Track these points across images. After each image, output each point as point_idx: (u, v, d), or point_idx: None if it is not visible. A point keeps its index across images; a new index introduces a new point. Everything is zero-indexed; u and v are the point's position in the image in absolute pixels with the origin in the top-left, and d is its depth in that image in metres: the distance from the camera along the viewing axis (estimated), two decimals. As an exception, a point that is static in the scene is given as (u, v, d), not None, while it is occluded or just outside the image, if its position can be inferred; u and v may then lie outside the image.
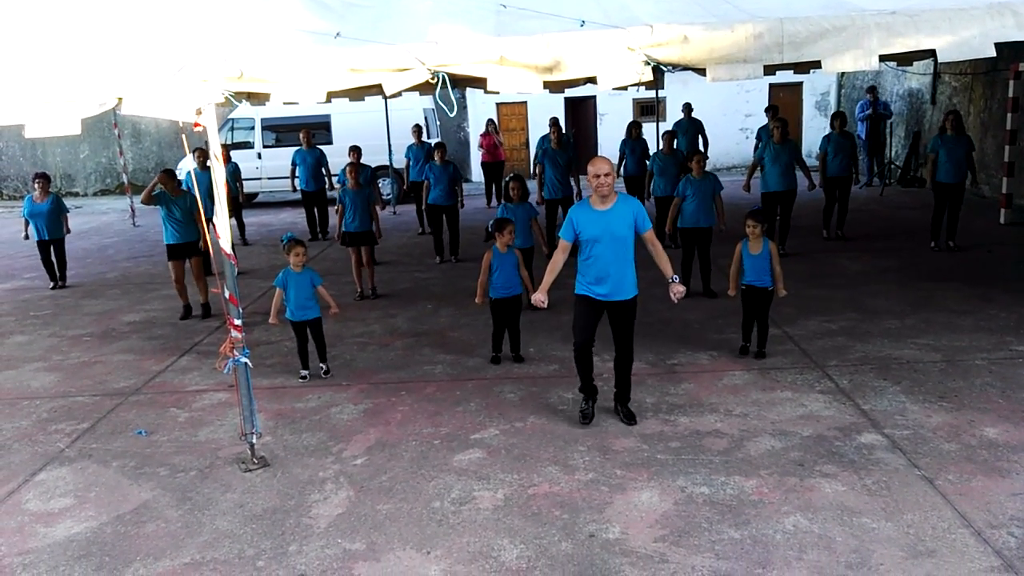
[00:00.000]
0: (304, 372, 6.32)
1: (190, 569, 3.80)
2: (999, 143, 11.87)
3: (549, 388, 5.85)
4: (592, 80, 4.74)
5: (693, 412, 5.30)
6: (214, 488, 4.59)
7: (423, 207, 11.06)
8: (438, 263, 10.42)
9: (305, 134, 12.44)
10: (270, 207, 17.22)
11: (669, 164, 10.01)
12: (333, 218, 9.38)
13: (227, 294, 4.63)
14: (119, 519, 4.30)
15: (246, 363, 4.72)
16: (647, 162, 10.91)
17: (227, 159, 10.58)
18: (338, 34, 4.56)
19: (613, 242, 4.86)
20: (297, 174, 12.43)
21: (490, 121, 16.41)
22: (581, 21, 4.55)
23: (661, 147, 10.23)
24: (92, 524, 4.26)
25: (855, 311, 7.37)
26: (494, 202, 15.03)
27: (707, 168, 8.25)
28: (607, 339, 5.16)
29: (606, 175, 4.80)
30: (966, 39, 4.42)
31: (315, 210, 12.71)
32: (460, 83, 4.93)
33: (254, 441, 4.82)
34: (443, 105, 4.46)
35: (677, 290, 4.89)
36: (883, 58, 4.77)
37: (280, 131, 16.47)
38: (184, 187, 8.61)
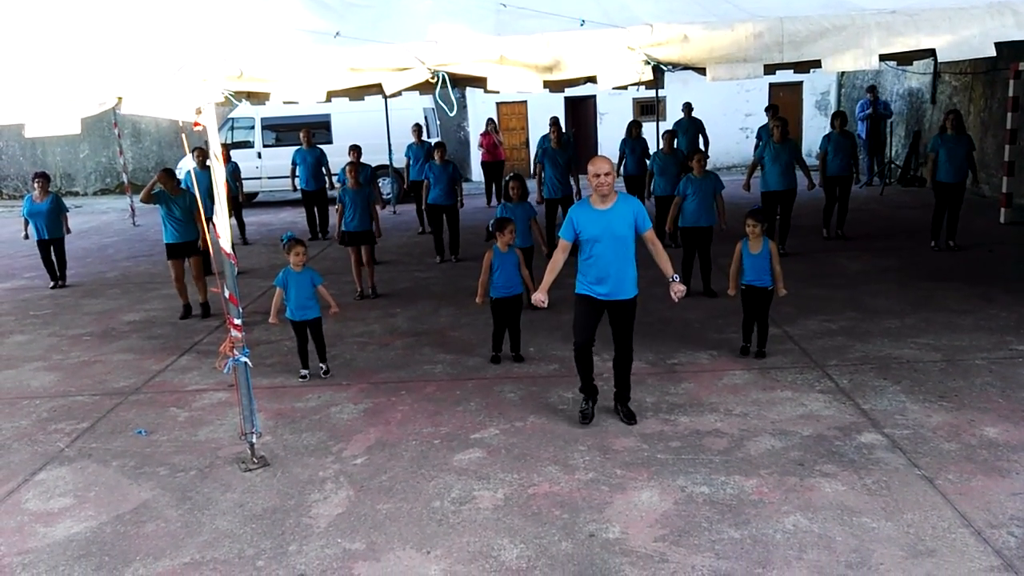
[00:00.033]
0: (304, 371, 6.32)
1: (190, 569, 3.80)
2: (999, 142, 11.87)
3: (549, 388, 5.85)
4: (592, 79, 4.74)
5: (693, 412, 5.30)
6: (214, 488, 4.59)
7: (423, 206, 11.07)
8: (438, 263, 10.41)
9: (305, 133, 12.44)
10: (270, 206, 17.22)
11: (669, 164, 10.01)
12: (333, 217, 9.38)
13: (227, 293, 4.63)
14: (119, 519, 4.30)
15: (246, 362, 4.72)
16: (647, 162, 10.91)
17: (227, 158, 10.57)
18: (338, 33, 4.56)
19: (613, 242, 4.85)
20: (297, 173, 12.44)
21: (490, 120, 16.42)
22: (581, 20, 4.55)
23: (661, 146, 10.23)
24: (92, 524, 4.26)
25: (855, 311, 7.37)
26: (494, 201, 15.03)
27: (707, 167, 8.24)
28: (607, 338, 5.16)
29: (606, 175, 4.79)
30: (966, 38, 4.42)
31: (315, 209, 12.71)
32: (460, 82, 4.93)
33: (254, 441, 4.82)
34: (443, 104, 4.45)
35: (677, 289, 4.89)
36: (883, 57, 4.77)
37: (280, 130, 16.47)
38: (183, 186, 8.61)
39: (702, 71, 4.73)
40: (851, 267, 9.13)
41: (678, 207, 8.10)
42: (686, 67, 4.79)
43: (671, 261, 5.03)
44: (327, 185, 12.62)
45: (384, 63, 4.49)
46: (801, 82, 19.44)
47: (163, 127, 20.10)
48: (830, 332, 6.79)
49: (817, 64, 4.64)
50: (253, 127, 16.59)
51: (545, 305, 5.00)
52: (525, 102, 20.19)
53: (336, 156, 13.03)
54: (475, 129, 19.51)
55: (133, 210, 15.36)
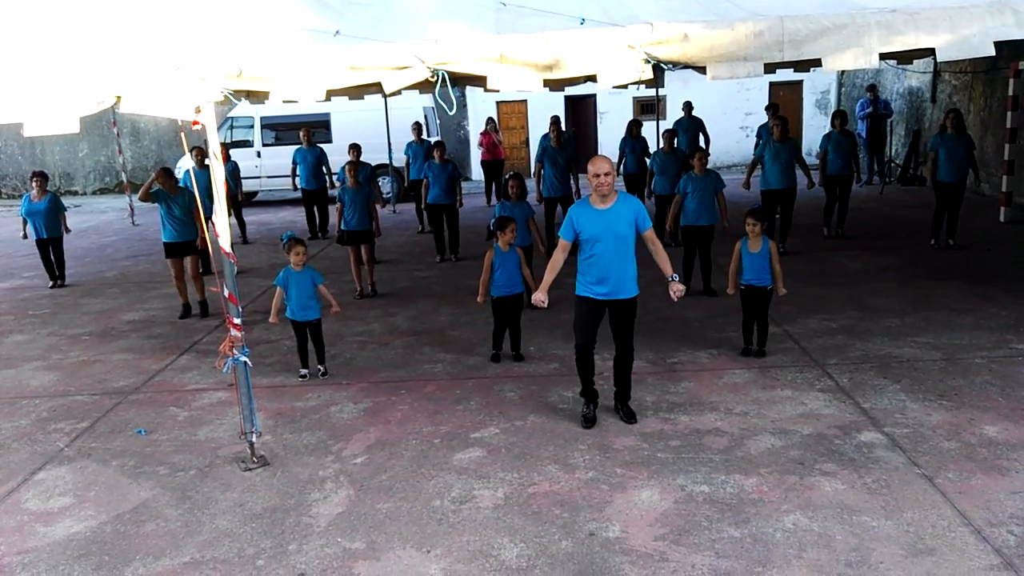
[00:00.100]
0: (304, 371, 6.32)
1: (190, 568, 3.80)
2: (999, 141, 11.86)
3: (549, 387, 5.85)
4: (592, 78, 4.73)
5: (693, 411, 5.29)
6: (214, 487, 4.59)
7: (422, 206, 11.07)
8: (438, 262, 10.41)
9: (305, 132, 12.44)
10: (270, 206, 17.22)
11: (669, 163, 10.00)
12: (333, 216, 9.38)
13: (227, 293, 4.62)
14: (119, 518, 4.30)
15: (246, 362, 4.71)
16: (647, 161, 10.91)
17: (226, 158, 10.56)
18: (337, 32, 4.55)
19: (614, 241, 4.85)
20: (297, 172, 12.44)
21: (490, 119, 16.41)
22: (581, 19, 4.55)
23: (661, 145, 10.23)
24: (91, 523, 4.26)
25: (855, 309, 7.37)
26: (493, 200, 15.03)
27: (707, 166, 8.23)
28: (607, 338, 5.16)
29: (606, 174, 4.78)
30: (966, 37, 4.42)
31: (315, 208, 12.71)
32: (460, 81, 4.93)
33: (254, 440, 4.82)
34: (443, 103, 4.45)
35: (677, 289, 4.88)
36: (883, 56, 4.77)
37: (280, 129, 16.47)
38: (182, 185, 8.60)
39: (702, 70, 4.73)
40: (851, 266, 9.13)
41: (679, 205, 8.09)
42: (686, 66, 4.78)
43: (671, 260, 5.03)
44: (327, 184, 12.63)
45: (384, 62, 4.49)
46: (801, 81, 19.44)
47: (162, 126, 20.10)
48: (830, 331, 6.79)
49: (817, 63, 4.64)
50: (252, 126, 16.58)
51: (545, 305, 5.00)
52: (525, 101, 20.18)
53: (336, 155, 13.02)
54: (475, 128, 19.51)
55: (132, 209, 15.35)
